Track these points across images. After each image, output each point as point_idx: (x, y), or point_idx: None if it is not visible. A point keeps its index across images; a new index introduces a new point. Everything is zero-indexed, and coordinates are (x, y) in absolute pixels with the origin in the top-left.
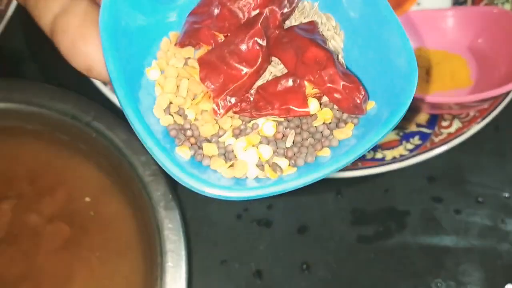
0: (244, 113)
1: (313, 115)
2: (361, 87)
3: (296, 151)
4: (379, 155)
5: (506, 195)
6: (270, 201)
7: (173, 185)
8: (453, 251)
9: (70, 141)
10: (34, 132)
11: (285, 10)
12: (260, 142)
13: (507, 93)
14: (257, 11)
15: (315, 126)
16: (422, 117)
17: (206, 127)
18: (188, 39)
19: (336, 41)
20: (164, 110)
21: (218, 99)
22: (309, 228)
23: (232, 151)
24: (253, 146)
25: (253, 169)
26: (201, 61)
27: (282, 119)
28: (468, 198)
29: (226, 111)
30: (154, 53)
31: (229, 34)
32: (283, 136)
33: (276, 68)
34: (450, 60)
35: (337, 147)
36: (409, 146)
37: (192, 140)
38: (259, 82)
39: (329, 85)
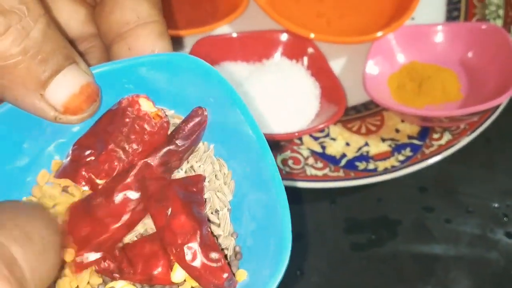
0: (106, 273)
1: (180, 282)
2: (225, 267)
3: None
4: (371, 166)
5: (496, 205)
6: None
7: None
8: (443, 259)
9: None
10: None
11: (166, 161)
12: None
13: (497, 107)
14: (142, 154)
15: None
16: (414, 129)
17: (61, 283)
18: (65, 176)
19: (224, 193)
20: None
21: (79, 253)
22: (304, 235)
23: None
24: None
25: None
26: (71, 210)
27: (144, 285)
28: (458, 208)
29: (83, 268)
30: (29, 186)
31: (105, 181)
32: None
33: (151, 221)
34: (441, 73)
35: None
36: (401, 158)
37: None
38: (130, 236)
39: (188, 261)
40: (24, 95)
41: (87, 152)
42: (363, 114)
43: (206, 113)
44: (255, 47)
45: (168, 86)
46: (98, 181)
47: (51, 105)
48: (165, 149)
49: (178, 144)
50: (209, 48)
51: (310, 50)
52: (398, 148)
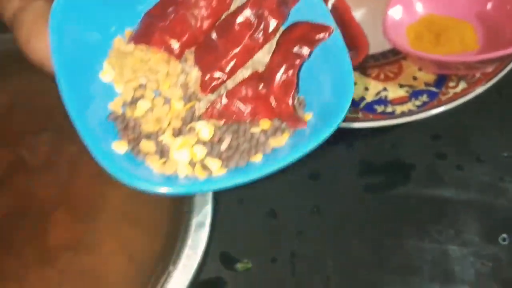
0: (215, 117)
1: (251, 121)
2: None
3: (230, 154)
4: (389, 109)
5: (505, 154)
6: None
7: None
8: (454, 203)
9: None
10: None
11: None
12: (196, 143)
13: (511, 59)
14: (209, 20)
15: (252, 133)
16: (430, 77)
17: (148, 124)
18: (141, 39)
19: None
20: (123, 102)
21: (207, 74)
22: (321, 175)
23: (168, 150)
24: (188, 146)
25: (183, 167)
26: (196, 48)
27: (221, 124)
28: (469, 156)
29: (208, 87)
30: (107, 54)
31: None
32: (220, 139)
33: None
34: (458, 25)
35: (270, 153)
36: (418, 103)
37: (132, 136)
38: (230, 84)
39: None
40: None
41: (159, 19)
42: (382, 63)
43: None
44: None
45: None
46: (172, 42)
47: None
48: None
49: None
50: None
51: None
52: (415, 94)
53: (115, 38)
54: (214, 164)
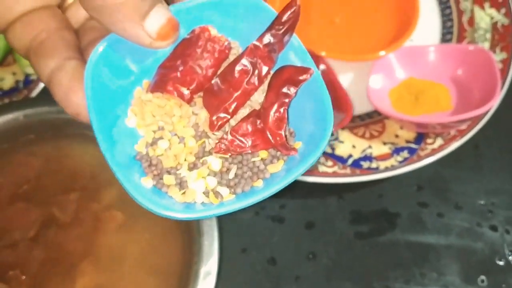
0: (222, 151)
1: (252, 152)
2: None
3: (237, 181)
4: (374, 165)
5: (482, 202)
6: (282, 202)
7: None
8: (436, 248)
9: None
10: (95, 138)
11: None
12: (208, 175)
13: (482, 116)
14: (213, 69)
15: (253, 162)
16: (411, 135)
17: (167, 160)
18: (157, 88)
19: None
20: (145, 143)
21: (214, 115)
22: (315, 224)
23: (186, 181)
24: (202, 177)
25: (200, 196)
26: (204, 93)
27: (227, 156)
28: (449, 204)
29: (215, 126)
30: (129, 103)
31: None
32: (227, 169)
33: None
34: (435, 88)
35: (269, 178)
36: (399, 159)
37: (155, 172)
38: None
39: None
40: (131, 27)
41: (171, 70)
42: (367, 122)
43: (299, 3)
44: None
45: (225, 21)
46: (183, 89)
47: (148, 33)
48: (268, 33)
49: (278, 28)
50: None
51: (322, 66)
52: (397, 150)
53: (135, 89)
54: (225, 191)
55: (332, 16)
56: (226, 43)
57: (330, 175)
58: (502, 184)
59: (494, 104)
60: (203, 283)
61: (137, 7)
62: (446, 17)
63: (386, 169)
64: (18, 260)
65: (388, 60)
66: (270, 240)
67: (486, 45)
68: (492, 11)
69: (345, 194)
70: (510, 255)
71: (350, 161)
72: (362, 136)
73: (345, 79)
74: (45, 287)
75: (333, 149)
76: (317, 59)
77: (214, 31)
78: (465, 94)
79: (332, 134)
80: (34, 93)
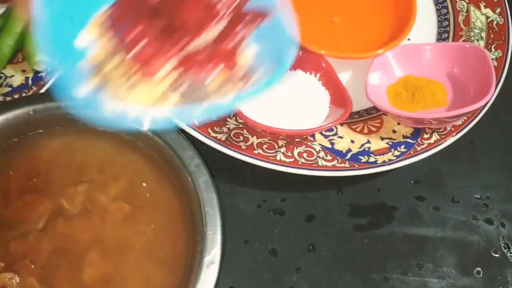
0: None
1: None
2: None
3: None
4: (372, 159)
5: (477, 196)
6: (283, 195)
7: (212, 175)
8: (432, 240)
9: (132, 140)
10: (104, 133)
11: None
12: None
13: (478, 112)
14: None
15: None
16: (408, 130)
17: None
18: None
19: None
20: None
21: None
22: (315, 217)
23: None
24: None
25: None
26: None
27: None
28: (445, 198)
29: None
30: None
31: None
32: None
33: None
34: (431, 85)
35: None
36: (396, 153)
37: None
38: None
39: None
40: None
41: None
42: (365, 118)
43: None
44: None
45: None
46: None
47: None
48: None
49: None
50: None
51: (322, 64)
52: (394, 145)
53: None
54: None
55: (331, 16)
56: None
57: (330, 168)
58: (497, 178)
59: (488, 99)
60: (206, 272)
61: None
62: (442, 16)
63: (384, 163)
64: (27, 251)
65: (386, 58)
66: (271, 232)
67: (482, 44)
68: (488, 11)
69: (344, 188)
70: (505, 248)
71: (349, 156)
72: (361, 132)
73: (344, 76)
74: (53, 277)
75: (332, 144)
76: (318, 58)
77: None
78: (461, 90)
79: (331, 130)
80: (43, 90)
